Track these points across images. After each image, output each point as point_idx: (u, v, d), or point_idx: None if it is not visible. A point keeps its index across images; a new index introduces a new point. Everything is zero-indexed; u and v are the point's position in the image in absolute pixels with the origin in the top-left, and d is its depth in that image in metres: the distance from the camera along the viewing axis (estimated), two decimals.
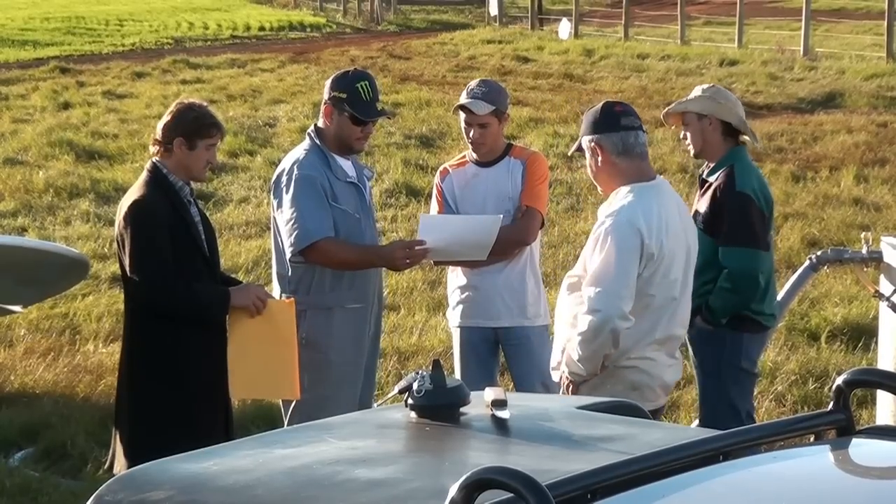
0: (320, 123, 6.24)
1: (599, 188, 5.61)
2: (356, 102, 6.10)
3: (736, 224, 6.22)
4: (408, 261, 6.21)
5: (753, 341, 6.46)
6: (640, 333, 5.38)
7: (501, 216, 6.32)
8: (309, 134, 6.28)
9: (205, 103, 6.03)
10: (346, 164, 6.22)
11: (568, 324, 5.43)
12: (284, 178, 6.13)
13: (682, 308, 5.53)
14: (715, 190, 6.30)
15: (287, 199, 6.08)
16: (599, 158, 5.45)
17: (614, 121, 5.44)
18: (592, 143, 5.46)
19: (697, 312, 6.02)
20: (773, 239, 6.69)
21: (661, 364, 5.48)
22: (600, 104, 5.60)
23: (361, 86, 6.12)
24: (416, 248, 6.12)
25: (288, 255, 6.11)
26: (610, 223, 5.31)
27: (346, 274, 6.14)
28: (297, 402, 6.06)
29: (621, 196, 5.40)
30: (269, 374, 5.88)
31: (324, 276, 6.13)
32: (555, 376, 5.63)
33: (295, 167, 6.12)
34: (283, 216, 6.10)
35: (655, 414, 5.62)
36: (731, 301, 6.24)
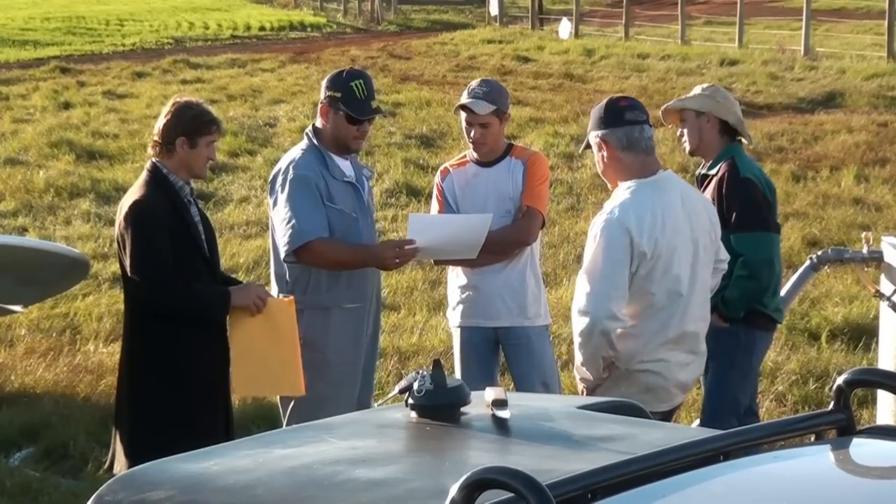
0: (318, 123, 6.25)
1: (608, 184, 5.59)
2: (351, 101, 6.10)
3: (744, 209, 6.20)
4: (397, 260, 6.20)
5: (764, 340, 6.48)
6: (650, 334, 5.34)
7: (491, 215, 6.31)
8: (307, 134, 6.28)
9: (201, 101, 6.04)
10: (344, 164, 6.22)
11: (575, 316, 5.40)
12: (280, 178, 6.14)
13: (695, 304, 5.45)
14: (719, 181, 6.27)
15: (281, 199, 6.09)
16: (605, 154, 5.43)
17: (618, 116, 5.42)
18: (598, 139, 5.45)
19: (714, 309, 5.97)
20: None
21: (675, 364, 5.42)
22: (605, 100, 5.59)
23: (356, 84, 6.13)
24: (406, 247, 6.12)
25: (282, 256, 6.12)
26: (601, 222, 5.31)
27: (343, 274, 6.14)
28: (296, 403, 6.06)
29: (618, 193, 5.38)
30: (273, 372, 5.89)
31: (320, 276, 6.13)
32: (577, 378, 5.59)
33: (290, 167, 6.13)
34: (278, 216, 6.12)
35: (671, 413, 5.59)
36: (748, 288, 6.18)
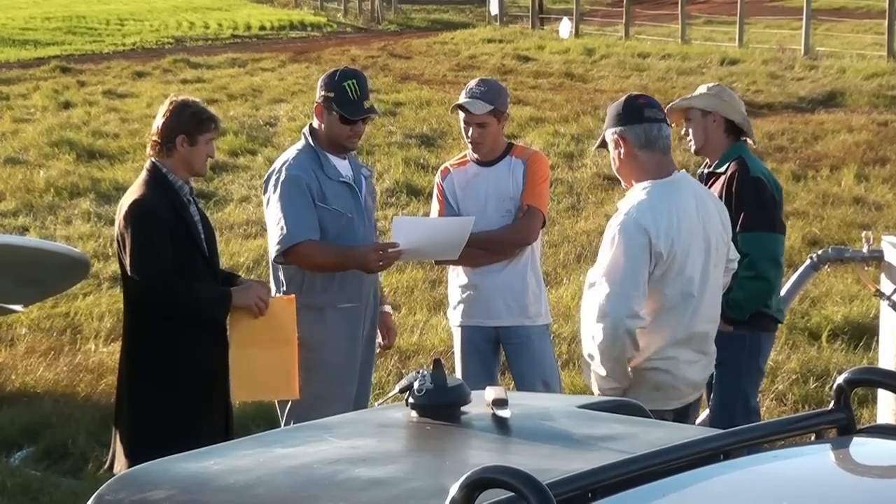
0: (314, 123, 6.25)
1: (622, 182, 5.55)
2: (343, 102, 6.10)
3: (754, 208, 6.18)
4: (380, 263, 6.20)
5: (768, 340, 6.48)
6: (659, 333, 5.29)
7: (473, 218, 6.30)
8: (304, 134, 6.29)
9: (197, 99, 6.05)
10: (341, 164, 6.22)
11: (591, 321, 5.33)
12: (273, 179, 6.15)
13: (706, 304, 5.40)
14: (728, 179, 6.25)
15: (273, 200, 6.10)
16: (622, 151, 5.36)
17: (637, 113, 5.35)
18: (615, 136, 5.37)
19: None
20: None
21: (684, 362, 5.36)
22: (623, 97, 5.52)
23: (348, 84, 6.13)
24: (390, 250, 6.11)
25: (272, 257, 6.13)
26: (618, 224, 5.26)
27: (337, 274, 6.14)
28: (293, 402, 6.06)
29: (634, 194, 5.33)
30: (270, 376, 5.88)
31: (314, 276, 6.13)
32: (594, 385, 5.45)
33: (283, 168, 6.13)
34: (269, 217, 6.14)
35: (684, 411, 5.55)
36: (754, 289, 6.14)
